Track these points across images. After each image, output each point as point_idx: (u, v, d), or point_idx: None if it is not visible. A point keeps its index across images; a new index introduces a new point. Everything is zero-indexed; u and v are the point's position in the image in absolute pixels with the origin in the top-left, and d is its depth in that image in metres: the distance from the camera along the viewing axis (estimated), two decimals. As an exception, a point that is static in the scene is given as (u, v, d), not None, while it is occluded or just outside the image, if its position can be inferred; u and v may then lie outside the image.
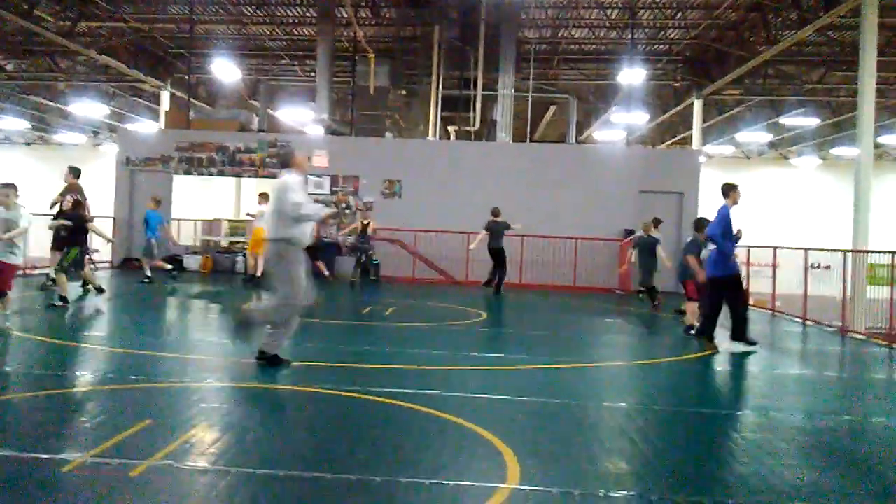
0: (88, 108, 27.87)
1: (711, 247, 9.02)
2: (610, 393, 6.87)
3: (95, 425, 4.85)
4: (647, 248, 13.35)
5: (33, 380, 6.19)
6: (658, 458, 4.79)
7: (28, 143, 38.81)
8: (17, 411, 5.21)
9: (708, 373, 8.18)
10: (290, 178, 6.80)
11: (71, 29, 20.80)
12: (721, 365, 8.66)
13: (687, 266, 9.98)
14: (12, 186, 8.36)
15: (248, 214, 16.62)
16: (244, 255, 18.91)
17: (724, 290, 8.87)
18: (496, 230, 14.82)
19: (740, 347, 8.94)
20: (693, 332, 9.94)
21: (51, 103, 29.62)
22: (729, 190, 9.10)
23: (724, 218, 8.74)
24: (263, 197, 14.63)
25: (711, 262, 8.98)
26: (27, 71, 26.56)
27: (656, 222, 13.77)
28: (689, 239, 10.44)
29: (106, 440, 4.41)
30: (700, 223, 10.04)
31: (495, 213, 14.98)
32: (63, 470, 3.93)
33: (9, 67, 26.37)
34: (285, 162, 7.15)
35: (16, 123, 32.75)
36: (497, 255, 14.97)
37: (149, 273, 14.59)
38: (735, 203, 8.96)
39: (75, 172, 12.78)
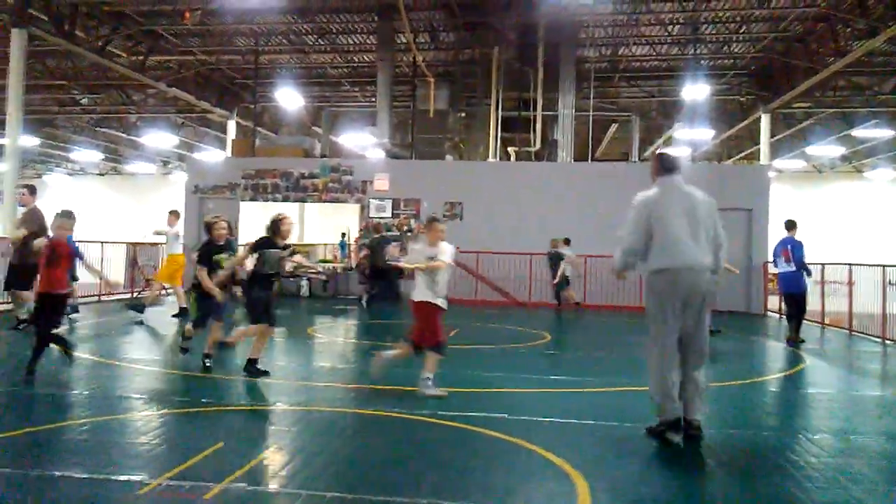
0: (158, 138, 28.88)
1: (789, 268, 11.24)
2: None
3: (170, 448, 4.93)
4: (553, 261, 16.55)
5: (108, 403, 6.34)
6: (733, 481, 4.64)
7: (102, 174, 40.39)
8: (94, 434, 5.33)
9: (782, 394, 7.88)
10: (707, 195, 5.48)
11: (142, 63, 21.60)
12: (796, 386, 8.35)
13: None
14: (438, 220, 7.11)
15: (155, 233, 13.38)
16: (308, 280, 19.17)
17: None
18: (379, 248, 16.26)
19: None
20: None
21: (123, 135, 30.83)
22: (794, 225, 11.47)
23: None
24: (175, 215, 13.18)
25: (799, 280, 11.31)
26: (101, 104, 27.70)
27: (566, 241, 16.73)
28: None
29: (180, 463, 4.48)
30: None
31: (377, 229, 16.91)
32: (140, 492, 3.99)
33: (84, 102, 27.54)
34: (674, 166, 5.60)
35: (90, 155, 34.15)
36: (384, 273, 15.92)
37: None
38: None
39: (31, 190, 10.58)
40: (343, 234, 20.58)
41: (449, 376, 7.41)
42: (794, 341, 11.33)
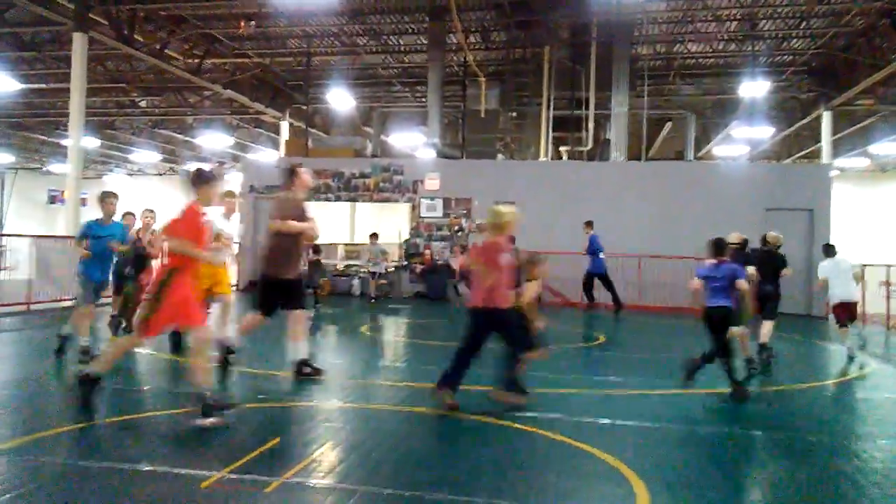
0: (214, 139, 29.43)
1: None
2: (740, 419, 6.49)
3: (229, 443, 4.99)
4: None
5: (169, 398, 6.46)
6: (796, 486, 4.52)
7: (160, 174, 41.33)
8: (157, 428, 5.44)
9: (847, 398, 7.63)
10: None
11: (198, 66, 22.02)
12: (857, 391, 8.09)
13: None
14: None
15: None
16: (359, 278, 19.29)
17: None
18: None
19: None
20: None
21: (180, 136, 31.49)
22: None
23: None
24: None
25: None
26: (159, 107, 28.33)
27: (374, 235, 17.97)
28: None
29: (240, 457, 4.53)
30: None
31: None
32: (202, 486, 4.05)
33: (142, 104, 28.21)
34: None
35: (148, 156, 34.98)
36: None
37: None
38: None
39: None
40: (407, 239, 20.57)
41: (503, 376, 7.34)
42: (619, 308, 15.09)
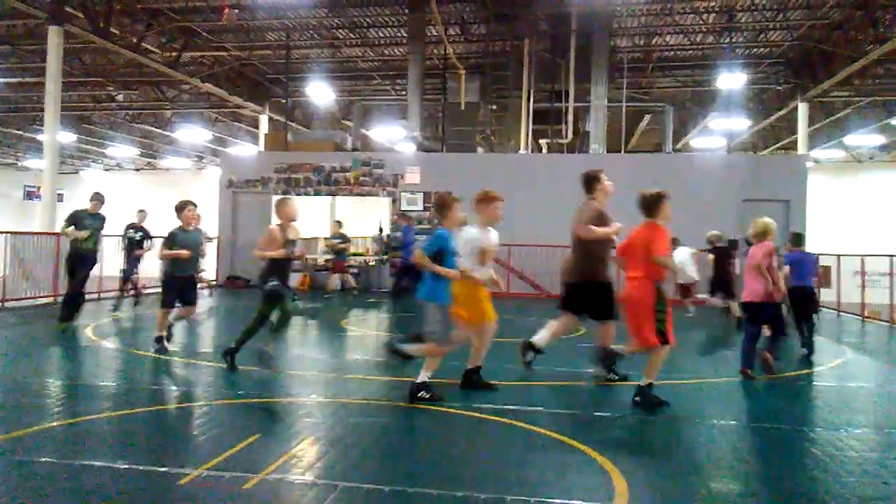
0: (192, 133, 29.22)
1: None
2: (719, 410, 6.57)
3: (208, 439, 4.99)
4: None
5: (147, 395, 6.44)
6: (772, 476, 4.59)
7: (137, 169, 40.94)
8: (135, 425, 5.42)
9: (821, 389, 7.74)
10: None
11: (176, 59, 21.84)
12: (833, 381, 8.20)
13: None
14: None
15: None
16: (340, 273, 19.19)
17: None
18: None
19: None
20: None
21: (158, 130, 31.22)
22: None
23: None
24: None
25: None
26: (136, 100, 28.08)
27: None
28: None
29: (219, 454, 4.52)
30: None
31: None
32: (180, 483, 4.05)
33: (119, 98, 27.93)
34: None
35: (126, 150, 34.65)
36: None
37: None
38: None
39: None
40: (381, 230, 20.51)
41: (483, 369, 7.38)
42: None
